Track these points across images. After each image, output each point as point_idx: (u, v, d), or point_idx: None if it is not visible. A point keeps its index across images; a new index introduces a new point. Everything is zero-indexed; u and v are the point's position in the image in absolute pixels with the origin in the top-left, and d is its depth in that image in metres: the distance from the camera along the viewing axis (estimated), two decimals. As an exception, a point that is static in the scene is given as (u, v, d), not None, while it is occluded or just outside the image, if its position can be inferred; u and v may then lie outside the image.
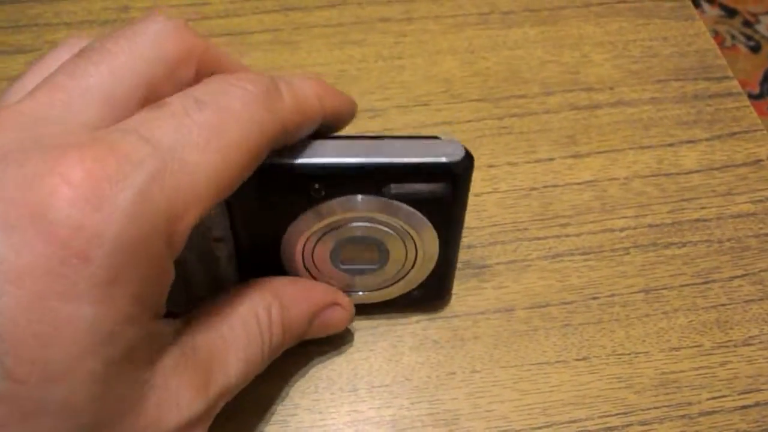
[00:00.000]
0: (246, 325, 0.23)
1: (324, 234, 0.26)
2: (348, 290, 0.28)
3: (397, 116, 0.36)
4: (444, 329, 0.29)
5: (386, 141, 0.24)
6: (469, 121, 0.36)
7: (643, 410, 0.28)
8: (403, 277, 0.28)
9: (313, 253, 0.26)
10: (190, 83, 0.21)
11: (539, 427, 0.27)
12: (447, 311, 0.30)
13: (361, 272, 0.27)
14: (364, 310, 0.29)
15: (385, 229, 0.26)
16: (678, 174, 0.35)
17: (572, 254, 0.32)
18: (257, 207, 0.24)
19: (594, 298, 0.31)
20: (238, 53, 0.36)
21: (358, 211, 0.25)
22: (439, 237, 0.26)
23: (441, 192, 0.24)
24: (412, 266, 0.27)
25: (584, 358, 0.29)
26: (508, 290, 0.31)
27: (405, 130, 0.36)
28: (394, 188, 0.24)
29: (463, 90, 0.37)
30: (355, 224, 0.25)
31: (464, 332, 0.29)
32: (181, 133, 0.18)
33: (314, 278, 0.27)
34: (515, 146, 0.35)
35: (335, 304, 0.27)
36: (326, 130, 0.24)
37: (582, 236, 0.33)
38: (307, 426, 0.27)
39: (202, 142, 0.18)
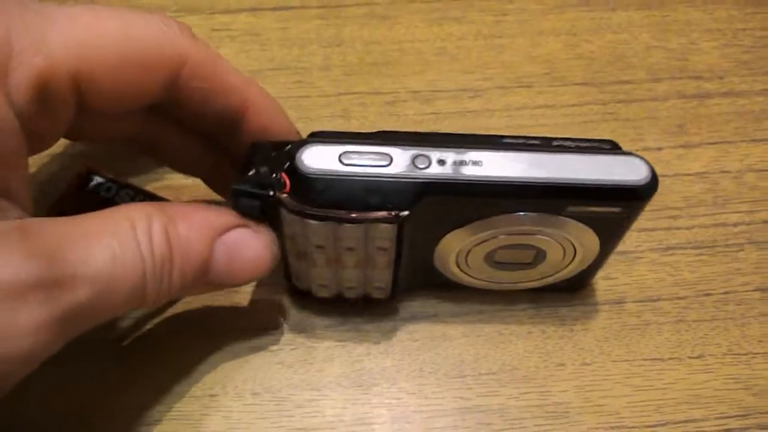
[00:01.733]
0: (117, 224, 0.19)
1: (483, 242, 0.24)
2: (492, 281, 0.27)
3: (497, 97, 0.35)
4: (552, 318, 0.28)
5: (564, 156, 0.22)
6: (573, 105, 0.35)
7: (761, 413, 0.27)
8: (554, 274, 0.27)
9: (467, 256, 0.25)
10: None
11: (652, 426, 0.26)
12: (553, 299, 0.29)
13: (513, 269, 0.26)
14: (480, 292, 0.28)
15: (547, 238, 0.24)
16: (794, 169, 0.33)
17: (684, 248, 0.31)
18: (429, 219, 0.23)
19: (707, 295, 0.29)
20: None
21: (526, 225, 0.23)
22: (601, 244, 0.25)
23: (620, 213, 0.23)
24: (567, 266, 0.26)
25: (699, 356, 0.28)
26: (618, 282, 0.29)
27: (506, 112, 0.34)
28: (572, 208, 0.23)
29: (566, 73, 0.36)
30: (518, 235, 0.24)
31: (573, 323, 0.28)
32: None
33: (464, 273, 0.26)
34: (622, 133, 0.34)
35: (243, 226, 0.22)
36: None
37: (694, 230, 0.31)
38: (412, 410, 0.26)
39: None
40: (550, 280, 0.27)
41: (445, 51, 0.36)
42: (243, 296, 0.29)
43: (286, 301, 0.28)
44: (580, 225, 0.23)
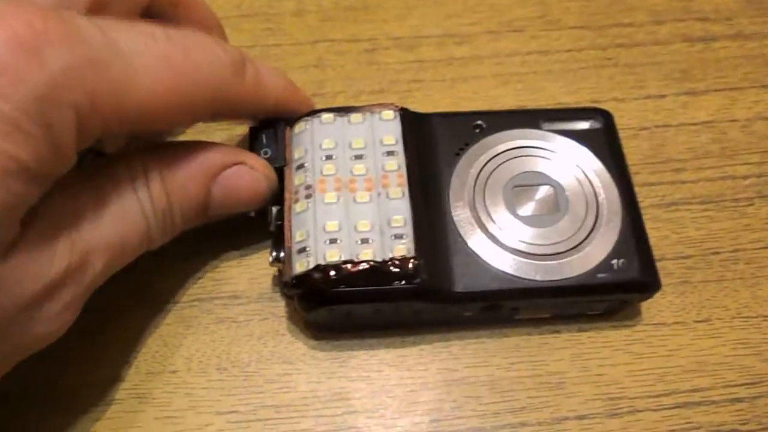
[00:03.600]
0: (118, 187, 0.20)
1: (492, 171, 0.25)
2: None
3: (486, 43, 0.32)
4: (545, 282, 0.26)
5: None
6: (569, 51, 0.32)
7: (773, 381, 0.24)
8: (591, 237, 0.24)
9: (485, 196, 0.25)
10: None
11: (656, 396, 0.24)
12: (547, 262, 0.27)
13: (542, 224, 0.24)
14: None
15: (549, 158, 0.26)
16: (808, 117, 0.30)
17: (689, 203, 0.28)
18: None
19: (715, 253, 0.27)
20: None
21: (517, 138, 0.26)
22: (611, 175, 0.25)
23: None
24: (595, 220, 0.24)
25: (705, 320, 0.26)
26: (617, 241, 0.27)
27: (496, 59, 0.32)
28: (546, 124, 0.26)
29: (562, 15, 0.33)
30: (518, 157, 0.25)
31: (568, 286, 0.26)
32: (139, 46, 0.19)
33: (494, 239, 0.24)
34: (621, 80, 0.31)
35: (238, 163, 0.23)
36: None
37: (699, 183, 0.29)
38: (393, 383, 0.24)
39: (155, 69, 0.19)
40: (594, 250, 0.24)
41: (429, -7, 0.33)
42: (207, 261, 0.26)
43: (256, 267, 0.26)
44: (569, 140, 0.26)
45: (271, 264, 0.24)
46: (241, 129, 0.29)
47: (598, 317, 0.25)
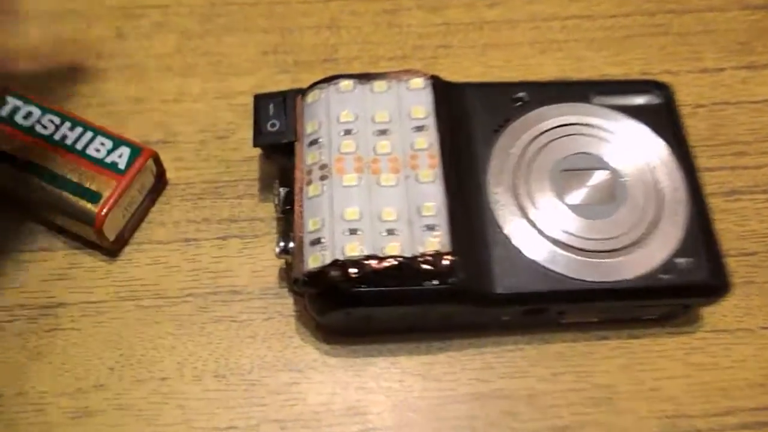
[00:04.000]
0: None
1: (537, 152, 0.21)
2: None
3: (521, 5, 0.28)
4: (591, 280, 0.23)
5: None
6: (614, 16, 0.28)
7: None
8: (652, 231, 0.21)
9: (529, 180, 0.21)
10: None
11: (720, 415, 0.21)
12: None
13: (594, 214, 0.21)
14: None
15: (603, 138, 0.22)
16: None
17: (752, 191, 0.25)
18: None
19: (782, 250, 0.24)
20: None
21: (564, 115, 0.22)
22: (674, 158, 0.22)
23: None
24: (657, 211, 0.21)
25: (773, 327, 0.23)
26: (672, 234, 0.24)
27: (532, 23, 0.28)
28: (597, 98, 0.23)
29: (605, -24, 0.29)
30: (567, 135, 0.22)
31: (618, 285, 0.23)
32: None
33: (539, 231, 0.21)
34: (674, 51, 0.28)
35: None
36: None
37: (762, 169, 0.25)
38: (416, 396, 0.21)
39: None
40: (658, 247, 0.21)
41: (457, -52, 0.30)
42: (202, 249, 0.23)
43: (260, 258, 0.23)
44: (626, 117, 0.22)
45: (278, 256, 0.21)
46: (244, 98, 0.25)
47: (652, 322, 0.22)
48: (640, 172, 0.22)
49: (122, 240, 0.22)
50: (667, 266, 0.20)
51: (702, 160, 0.25)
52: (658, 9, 0.29)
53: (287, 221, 0.21)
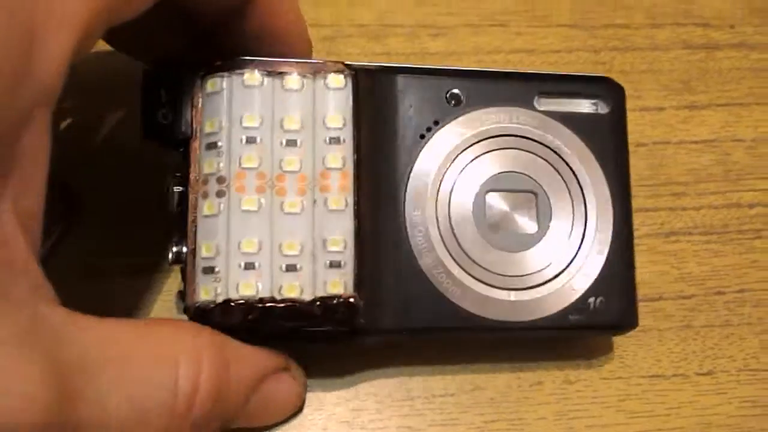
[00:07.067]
0: (157, 361, 0.16)
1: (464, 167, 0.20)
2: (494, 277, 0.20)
3: (465, 37, 0.28)
4: (527, 322, 0.22)
5: None
6: (558, 52, 0.28)
7: (785, 448, 0.21)
8: (571, 267, 0.20)
9: (450, 202, 0.20)
10: None
11: (653, 465, 0.20)
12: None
13: (515, 245, 0.20)
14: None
15: (538, 154, 0.21)
16: (819, 140, 0.27)
17: (690, 233, 0.25)
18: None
19: (719, 293, 0.24)
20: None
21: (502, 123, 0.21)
22: (609, 187, 0.21)
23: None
24: (580, 244, 0.20)
25: (708, 373, 0.22)
26: (609, 275, 0.23)
27: (476, 56, 0.27)
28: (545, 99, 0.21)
29: (550, 11, 0.29)
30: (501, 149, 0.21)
31: (553, 328, 0.22)
32: None
33: (453, 260, 0.19)
34: (616, 88, 0.27)
35: (284, 369, 0.19)
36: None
37: (702, 211, 0.25)
38: (342, 444, 0.20)
39: None
40: (571, 279, 0.20)
41: (402, -23, 0.29)
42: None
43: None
44: (569, 132, 0.21)
45: (171, 264, 0.18)
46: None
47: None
48: (570, 198, 0.21)
49: None
50: (579, 305, 0.20)
51: (641, 200, 0.25)
52: (602, 46, 0.28)
53: (181, 222, 0.18)
